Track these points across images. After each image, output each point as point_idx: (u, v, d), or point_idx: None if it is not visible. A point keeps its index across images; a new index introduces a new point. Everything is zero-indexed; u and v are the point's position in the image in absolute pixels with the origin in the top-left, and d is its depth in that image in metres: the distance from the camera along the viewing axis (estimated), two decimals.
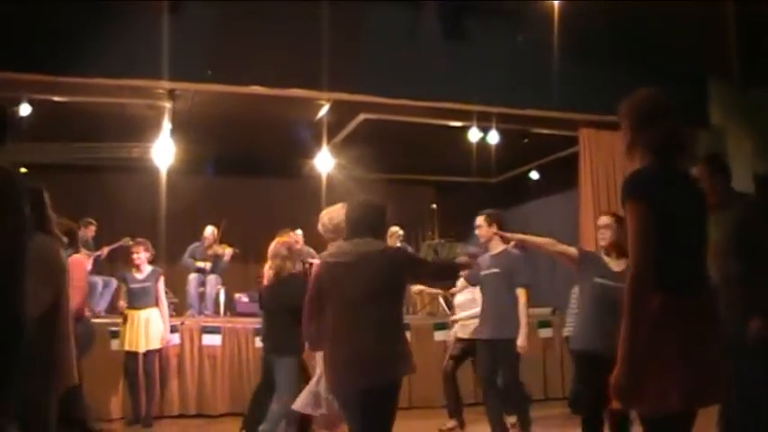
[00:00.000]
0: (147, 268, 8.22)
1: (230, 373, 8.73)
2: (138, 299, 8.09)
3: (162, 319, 8.15)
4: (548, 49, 9.39)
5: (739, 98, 10.61)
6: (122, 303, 8.19)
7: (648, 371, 2.68)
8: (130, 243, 9.66)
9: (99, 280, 9.87)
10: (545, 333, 9.62)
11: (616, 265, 5.02)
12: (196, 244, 10.60)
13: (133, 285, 8.12)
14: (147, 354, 8.08)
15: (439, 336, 9.17)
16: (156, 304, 8.16)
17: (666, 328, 2.70)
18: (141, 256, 8.20)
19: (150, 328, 8.06)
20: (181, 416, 8.51)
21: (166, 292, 9.81)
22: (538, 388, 9.66)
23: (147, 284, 8.13)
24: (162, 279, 8.28)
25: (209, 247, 10.48)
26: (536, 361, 9.74)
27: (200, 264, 10.37)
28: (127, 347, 8.02)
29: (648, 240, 2.73)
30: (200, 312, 9.94)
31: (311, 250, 9.79)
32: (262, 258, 12.92)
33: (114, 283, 9.81)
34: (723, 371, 2.79)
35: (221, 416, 8.58)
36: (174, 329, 8.61)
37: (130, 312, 8.04)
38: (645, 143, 2.93)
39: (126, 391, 8.20)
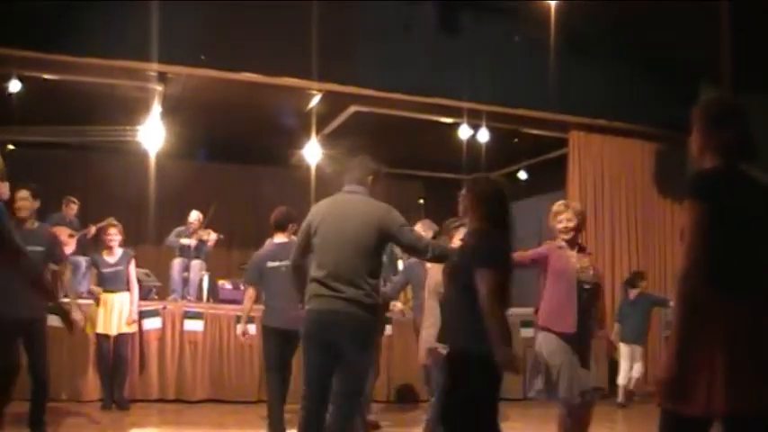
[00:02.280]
0: (119, 251, 8.17)
1: (211, 359, 8.72)
2: (111, 283, 8.04)
3: (131, 303, 8.12)
4: (542, 49, 9.41)
5: None
6: (95, 288, 8.11)
7: (695, 369, 2.68)
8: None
9: (83, 260, 9.82)
10: (526, 333, 9.63)
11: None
12: (181, 228, 10.56)
13: (105, 270, 8.05)
14: (120, 337, 8.04)
15: None
16: (128, 288, 8.13)
17: (719, 327, 2.69)
18: (116, 237, 8.16)
19: (123, 312, 8.03)
20: (160, 400, 8.49)
21: (148, 275, 9.82)
22: (517, 387, 9.70)
23: (119, 268, 8.08)
24: (133, 262, 8.24)
25: (194, 231, 10.44)
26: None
27: (185, 240, 10.31)
28: (100, 330, 7.98)
29: (701, 241, 2.74)
30: (183, 297, 9.91)
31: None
32: (246, 245, 13.06)
33: None
34: None
35: (200, 402, 8.57)
36: (155, 314, 8.60)
37: (104, 296, 8.00)
38: (713, 145, 2.94)
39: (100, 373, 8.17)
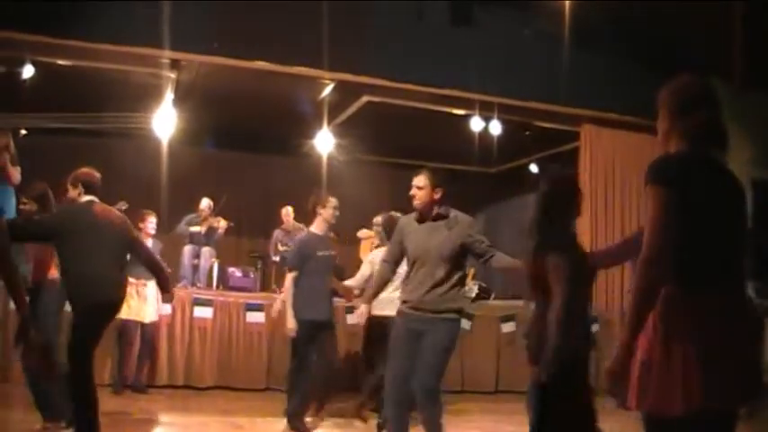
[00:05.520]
0: (149, 240, 8.23)
1: (219, 346, 8.76)
2: (145, 270, 8.07)
3: (158, 292, 8.17)
4: (554, 43, 9.38)
5: (739, 100, 10.61)
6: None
7: (651, 365, 2.55)
8: (124, 207, 9.64)
9: None
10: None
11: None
12: (192, 215, 10.60)
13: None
14: (150, 324, 8.23)
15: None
16: None
17: (678, 321, 2.54)
18: (154, 225, 8.34)
19: (155, 300, 8.18)
20: (168, 386, 8.54)
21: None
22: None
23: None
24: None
25: (205, 219, 10.48)
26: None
27: (195, 228, 10.34)
28: (134, 317, 8.03)
29: (665, 227, 2.58)
30: (193, 284, 9.96)
31: (302, 226, 9.85)
32: (256, 233, 13.09)
33: None
34: (744, 372, 2.57)
35: (208, 388, 8.62)
36: (165, 300, 8.64)
37: (138, 283, 8.03)
38: (681, 130, 2.76)
39: (117, 357, 8.19)
